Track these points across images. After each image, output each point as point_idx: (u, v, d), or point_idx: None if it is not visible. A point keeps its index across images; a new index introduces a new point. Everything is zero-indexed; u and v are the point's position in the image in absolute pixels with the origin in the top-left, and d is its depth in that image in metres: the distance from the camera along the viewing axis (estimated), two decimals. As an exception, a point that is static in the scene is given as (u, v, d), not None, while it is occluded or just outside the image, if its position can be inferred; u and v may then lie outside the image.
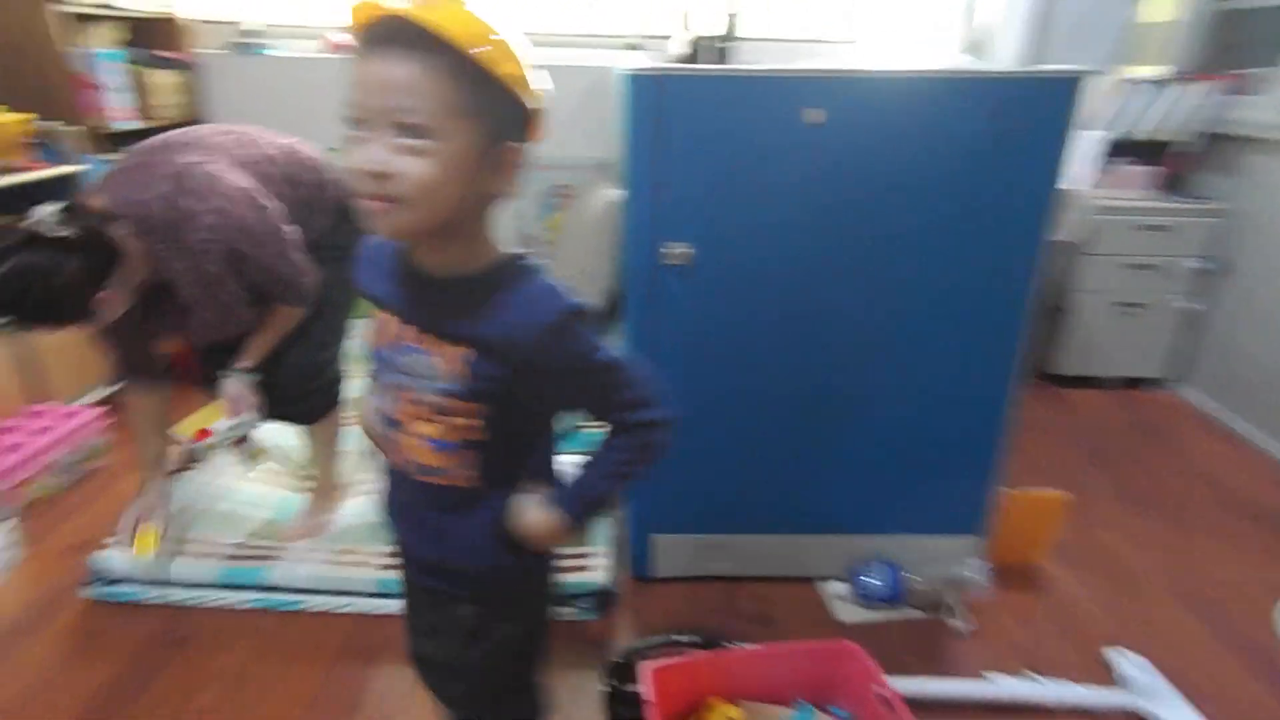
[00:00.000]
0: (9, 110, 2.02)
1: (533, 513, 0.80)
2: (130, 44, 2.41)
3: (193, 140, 1.40)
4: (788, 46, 2.75)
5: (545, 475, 0.84)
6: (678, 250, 1.41)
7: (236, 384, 1.52)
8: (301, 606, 1.55)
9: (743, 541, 1.67)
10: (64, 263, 1.19)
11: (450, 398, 0.73)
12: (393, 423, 0.78)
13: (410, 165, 0.63)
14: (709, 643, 1.42)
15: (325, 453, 1.74)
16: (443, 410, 0.74)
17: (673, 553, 1.67)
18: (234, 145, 1.43)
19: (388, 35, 0.63)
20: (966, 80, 1.36)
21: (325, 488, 1.76)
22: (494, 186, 0.71)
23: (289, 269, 1.42)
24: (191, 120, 2.64)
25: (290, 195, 1.46)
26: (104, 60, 2.21)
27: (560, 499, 0.81)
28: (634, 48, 2.77)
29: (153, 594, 1.56)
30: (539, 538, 0.80)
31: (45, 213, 1.21)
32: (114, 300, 1.29)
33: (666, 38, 2.67)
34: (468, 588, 0.85)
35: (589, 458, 0.81)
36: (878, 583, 1.61)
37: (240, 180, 1.36)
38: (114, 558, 1.56)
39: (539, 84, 0.70)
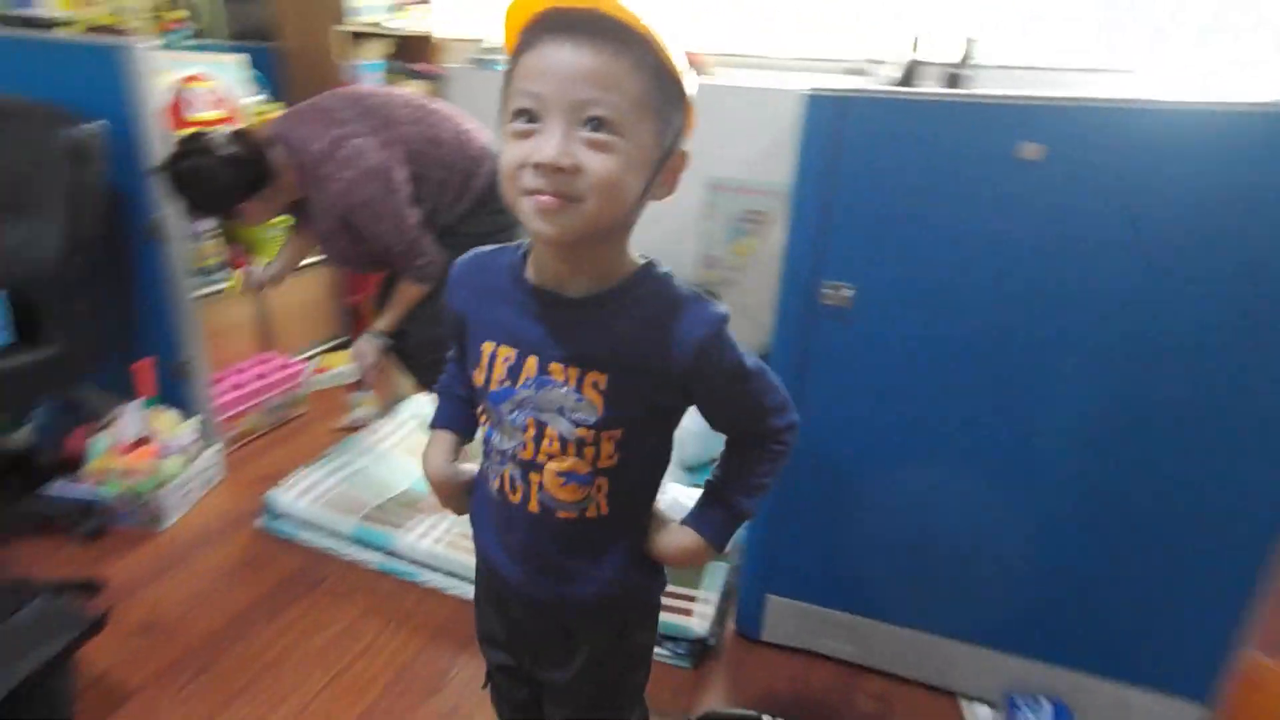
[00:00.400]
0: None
1: (676, 536, 0.78)
2: (391, 57, 2.78)
3: (375, 106, 1.60)
4: (1041, 75, 2.39)
5: (654, 498, 0.81)
6: (840, 291, 1.26)
7: (365, 343, 1.75)
8: (418, 579, 1.64)
9: (873, 627, 1.43)
10: (221, 172, 1.51)
11: (594, 428, 0.69)
12: (526, 464, 0.72)
13: (596, 161, 0.59)
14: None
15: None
16: (584, 441, 0.69)
17: (787, 618, 1.49)
18: (407, 120, 1.60)
19: (574, 23, 0.59)
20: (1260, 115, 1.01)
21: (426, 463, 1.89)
22: (660, 191, 0.67)
23: (403, 246, 1.59)
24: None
25: (437, 178, 1.62)
26: (368, 71, 2.56)
27: (700, 521, 0.78)
28: (858, 72, 2.59)
29: (305, 535, 1.75)
30: (678, 559, 0.78)
31: (219, 133, 1.56)
32: (254, 210, 1.58)
33: (897, 63, 2.46)
34: (595, 617, 0.81)
35: (722, 474, 0.79)
36: (1042, 725, 1.30)
37: (384, 159, 1.54)
38: (283, 496, 1.78)
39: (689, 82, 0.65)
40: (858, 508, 1.38)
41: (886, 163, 1.18)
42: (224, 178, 1.52)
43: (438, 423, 0.87)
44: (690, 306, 0.68)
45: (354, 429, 2.16)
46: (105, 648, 1.39)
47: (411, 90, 1.73)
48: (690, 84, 0.64)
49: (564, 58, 0.58)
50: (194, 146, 1.53)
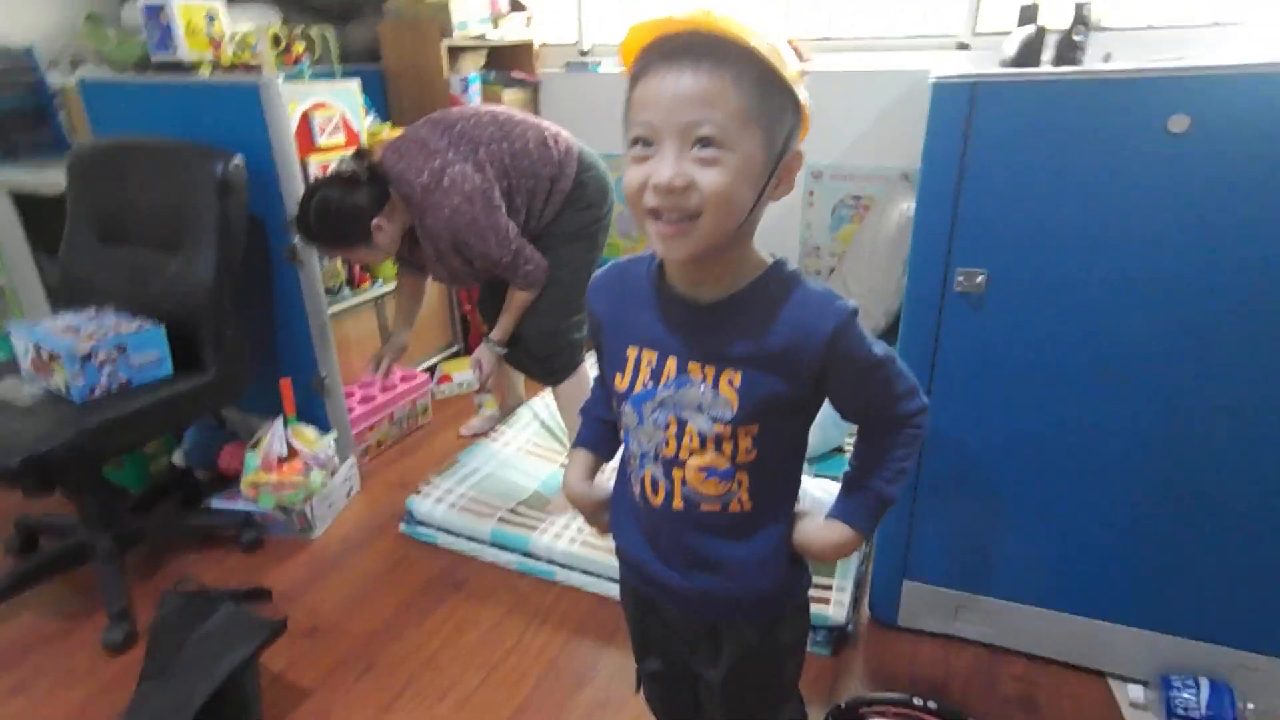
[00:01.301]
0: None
1: (825, 530, 0.80)
2: (488, 67, 2.85)
3: (464, 131, 1.69)
4: (1159, 35, 2.25)
5: (796, 493, 0.83)
6: (973, 278, 1.24)
7: (483, 352, 1.86)
8: (555, 578, 1.69)
9: (1013, 609, 1.43)
10: (352, 194, 1.61)
11: (732, 424, 0.72)
12: (669, 461, 0.76)
13: (707, 177, 0.63)
14: (952, 715, 1.25)
15: (572, 422, 1.90)
16: (722, 437, 0.73)
17: (924, 603, 1.50)
18: (492, 139, 1.69)
19: (677, 49, 0.63)
20: None
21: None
22: (777, 194, 0.70)
23: (509, 257, 1.69)
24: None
25: (527, 187, 1.71)
26: (470, 83, 2.63)
27: (847, 511, 0.80)
28: (963, 47, 2.50)
29: (444, 540, 1.83)
30: (829, 553, 0.80)
31: (344, 158, 1.67)
32: (386, 229, 1.65)
33: (1005, 34, 2.37)
34: (746, 611, 0.84)
35: (860, 463, 0.80)
36: (1199, 703, 1.26)
37: (481, 181, 1.64)
38: (422, 502, 1.86)
39: (803, 82, 0.68)
40: (993, 493, 1.37)
41: (1019, 145, 1.16)
42: (355, 197, 1.61)
43: (579, 442, 0.93)
44: (819, 302, 0.71)
45: (480, 435, 2.25)
46: (278, 651, 1.49)
47: (492, 106, 1.80)
48: (801, 88, 0.67)
49: (668, 85, 0.63)
50: (318, 184, 1.65)
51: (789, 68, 0.65)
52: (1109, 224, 1.14)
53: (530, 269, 1.73)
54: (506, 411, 2.35)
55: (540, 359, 1.87)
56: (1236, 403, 1.16)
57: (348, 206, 1.61)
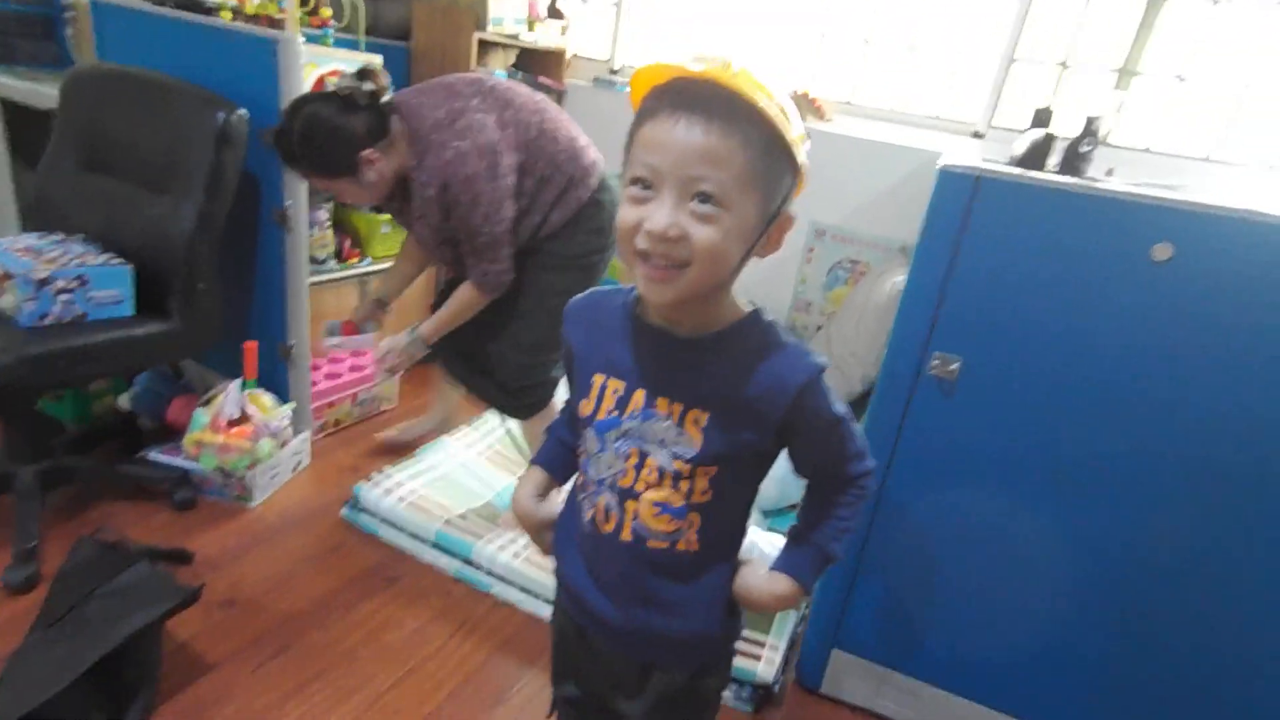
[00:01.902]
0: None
1: (766, 579, 0.80)
2: (516, 67, 2.85)
3: (497, 89, 1.55)
4: (1172, 163, 2.33)
5: (741, 541, 0.83)
6: (947, 364, 1.25)
7: (403, 342, 1.66)
8: (491, 590, 1.66)
9: (937, 696, 1.43)
10: (347, 115, 1.44)
11: (692, 462, 0.73)
12: (624, 491, 0.77)
13: (701, 232, 0.64)
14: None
15: (534, 450, 1.85)
16: (681, 474, 0.73)
17: (851, 675, 1.50)
18: (527, 108, 1.54)
19: (691, 99, 0.63)
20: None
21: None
22: (765, 252, 0.71)
23: (485, 240, 1.51)
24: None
25: (542, 173, 1.55)
26: (496, 78, 2.62)
27: (791, 564, 0.80)
28: (977, 136, 2.56)
29: (385, 532, 1.78)
30: (770, 604, 0.80)
31: (344, 76, 1.47)
32: (378, 164, 1.48)
33: (1018, 131, 2.43)
34: (678, 654, 0.83)
35: (806, 519, 0.81)
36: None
37: (498, 139, 1.48)
38: (370, 491, 1.82)
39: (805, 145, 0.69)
40: (934, 576, 1.38)
41: (1011, 242, 1.19)
42: (350, 120, 1.44)
43: (537, 460, 0.93)
44: (792, 354, 0.73)
45: (399, 446, 2.09)
46: (190, 618, 1.43)
47: (532, 91, 1.65)
48: (802, 153, 0.68)
49: (678, 134, 0.63)
50: (308, 97, 1.49)
51: (794, 131, 0.66)
52: (1085, 336, 1.17)
53: (497, 269, 1.56)
54: (434, 429, 2.14)
55: (512, 392, 1.73)
56: (1187, 531, 1.18)
57: (339, 128, 1.44)
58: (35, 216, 1.78)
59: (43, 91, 2.02)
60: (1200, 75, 2.29)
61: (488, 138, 1.47)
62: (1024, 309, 1.20)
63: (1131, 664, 1.27)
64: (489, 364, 1.71)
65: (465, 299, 1.62)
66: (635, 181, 0.66)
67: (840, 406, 0.75)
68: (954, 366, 1.26)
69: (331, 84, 1.47)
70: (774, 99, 0.64)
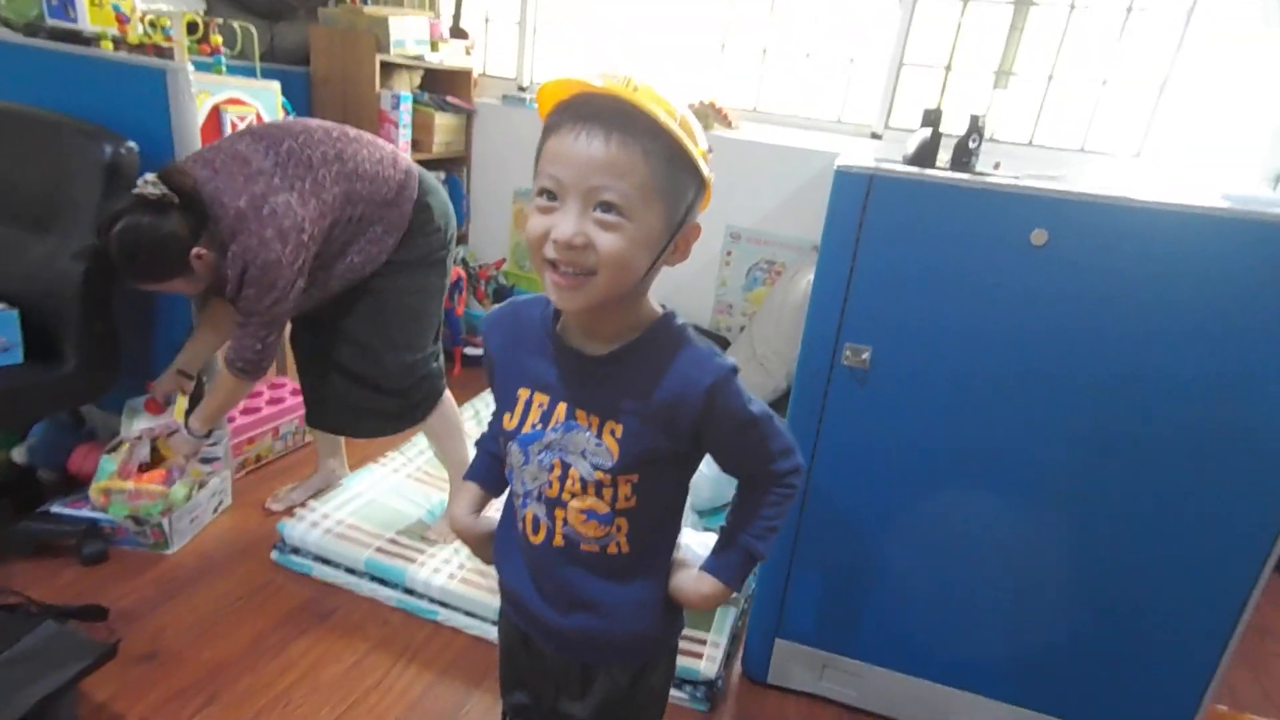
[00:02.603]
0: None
1: (694, 580, 0.82)
2: (422, 88, 2.82)
3: (292, 150, 1.48)
4: (1052, 155, 2.51)
5: (674, 541, 0.86)
6: (859, 354, 1.32)
7: (181, 443, 1.65)
8: (437, 618, 1.63)
9: (876, 674, 1.50)
10: (165, 219, 1.37)
11: (611, 472, 0.74)
12: (551, 501, 0.78)
13: (605, 240, 0.66)
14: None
15: (450, 457, 1.84)
16: (602, 483, 0.75)
17: (793, 662, 1.55)
18: (326, 160, 1.50)
19: (592, 114, 0.65)
20: (1246, 222, 1.11)
21: (456, 490, 1.86)
22: (673, 260, 0.74)
23: (260, 321, 1.48)
24: (461, 156, 3.03)
25: (357, 214, 1.54)
26: (403, 101, 2.60)
27: (717, 566, 0.82)
28: (876, 136, 2.69)
29: (319, 570, 1.73)
30: (698, 604, 0.82)
31: (147, 179, 1.37)
32: (206, 256, 1.42)
33: (911, 131, 2.57)
34: (620, 654, 0.85)
35: (733, 519, 0.83)
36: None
37: (301, 218, 1.44)
38: (295, 526, 1.76)
39: (709, 159, 0.72)
40: (864, 559, 1.44)
41: (906, 235, 1.26)
42: (169, 224, 1.37)
43: (469, 475, 0.94)
44: (700, 358, 0.75)
45: (292, 507, 1.91)
46: (107, 676, 1.35)
47: (323, 121, 1.60)
48: (705, 166, 0.71)
49: (580, 147, 0.65)
50: (119, 211, 1.38)
51: (699, 145, 0.69)
52: (978, 320, 1.25)
53: (257, 350, 1.51)
54: (323, 483, 2.00)
55: (400, 393, 1.70)
56: (1086, 495, 1.28)
57: (162, 236, 1.36)
58: (-95, 265, 1.65)
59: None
60: (1067, 73, 2.49)
61: (293, 220, 1.44)
62: (922, 297, 1.27)
63: (1043, 621, 1.36)
64: (365, 381, 1.68)
65: (230, 386, 1.58)
66: (541, 193, 0.68)
67: (756, 406, 0.77)
68: (865, 355, 1.32)
69: (137, 188, 1.38)
70: (675, 114, 0.67)
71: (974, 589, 1.39)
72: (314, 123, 1.57)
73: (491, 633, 1.58)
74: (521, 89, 3.11)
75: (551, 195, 0.67)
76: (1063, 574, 1.33)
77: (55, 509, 1.72)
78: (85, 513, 1.70)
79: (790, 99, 2.82)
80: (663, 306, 0.78)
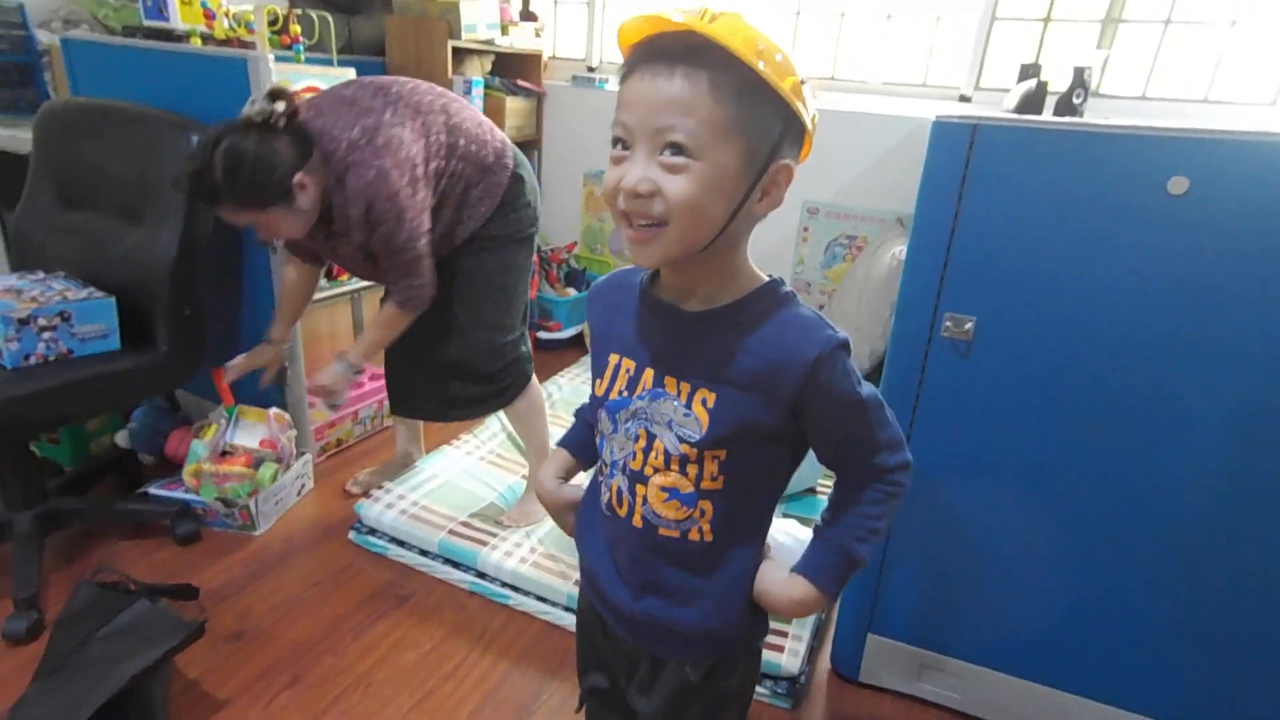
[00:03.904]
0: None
1: (788, 586, 0.74)
2: (493, 73, 2.82)
3: (401, 94, 1.47)
4: (1154, 106, 2.27)
5: (764, 534, 0.78)
6: (962, 325, 1.20)
7: (336, 372, 1.57)
8: (509, 602, 1.60)
9: (983, 676, 1.37)
10: (269, 141, 1.33)
11: (698, 446, 0.69)
12: (634, 474, 0.73)
13: (673, 185, 0.61)
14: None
15: (532, 440, 1.80)
16: (688, 458, 0.69)
17: (888, 660, 1.44)
18: (433, 109, 1.48)
19: (659, 52, 0.60)
20: None
21: (535, 477, 1.82)
22: (761, 207, 0.66)
23: (409, 257, 1.45)
24: (532, 140, 3.01)
25: (460, 170, 1.51)
26: (475, 86, 2.60)
27: (813, 567, 0.73)
28: (964, 99, 2.51)
29: (394, 552, 1.73)
30: (789, 610, 0.74)
31: (253, 100, 1.34)
32: (310, 188, 1.38)
33: (1004, 91, 2.38)
34: (690, 649, 0.78)
35: (833, 517, 0.74)
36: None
37: (417, 151, 1.43)
38: (371, 507, 1.77)
39: (812, 102, 0.65)
40: (967, 549, 1.32)
41: (1015, 192, 1.13)
42: (274, 146, 1.34)
43: (562, 441, 0.90)
44: (807, 327, 0.67)
45: (369, 489, 1.90)
46: (197, 654, 1.39)
47: (428, 82, 1.58)
48: (801, 103, 0.63)
49: (645, 87, 0.61)
50: (223, 129, 1.35)
51: (786, 77, 0.61)
52: (1103, 279, 1.11)
53: (419, 285, 1.49)
54: (400, 467, 1.98)
55: (488, 376, 1.67)
56: (1224, 473, 1.12)
57: (266, 156, 1.32)
58: (15, 257, 1.74)
59: (21, 136, 2.00)
60: (1187, 16, 2.24)
61: (407, 152, 1.41)
62: (1035, 259, 1.14)
63: (1177, 618, 1.21)
64: (455, 367, 1.65)
65: (389, 318, 1.56)
66: (615, 142, 0.64)
67: (867, 389, 0.69)
68: (968, 326, 1.20)
69: (244, 111, 1.35)
70: (759, 44, 0.60)
71: (1096, 583, 1.24)
72: (418, 81, 1.56)
73: (564, 619, 1.55)
74: (591, 70, 3.06)
75: (623, 144, 0.63)
76: (1205, 566, 1.17)
77: (152, 490, 1.79)
78: (179, 494, 1.76)
79: (869, 65, 2.67)
80: (770, 275, 0.70)
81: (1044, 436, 1.21)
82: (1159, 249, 1.07)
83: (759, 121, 0.62)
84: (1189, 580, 1.18)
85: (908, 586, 1.38)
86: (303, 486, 1.93)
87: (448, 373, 1.67)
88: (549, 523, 1.76)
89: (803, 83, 0.64)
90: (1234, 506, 1.13)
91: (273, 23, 2.00)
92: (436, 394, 1.69)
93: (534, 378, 1.78)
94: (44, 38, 2.42)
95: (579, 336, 2.92)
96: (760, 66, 0.59)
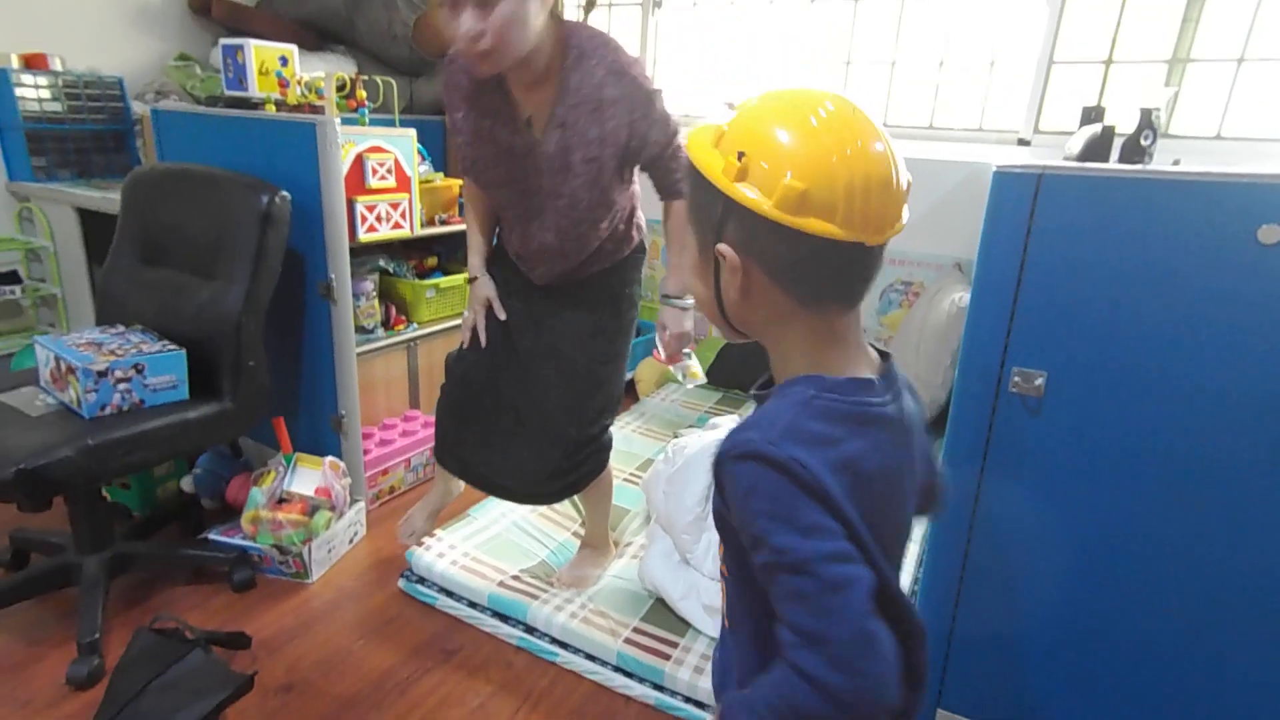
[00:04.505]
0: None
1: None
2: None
3: None
4: (1245, 147, 2.17)
5: None
6: (1031, 380, 1.14)
7: (670, 314, 1.46)
8: (557, 660, 1.57)
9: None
10: None
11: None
12: None
13: None
14: None
15: (595, 506, 1.76)
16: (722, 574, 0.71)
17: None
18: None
19: None
20: None
21: (594, 541, 1.78)
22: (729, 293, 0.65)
23: (673, 139, 1.30)
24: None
25: (631, 199, 1.46)
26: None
27: (729, 707, 0.62)
28: (1024, 143, 2.46)
29: (443, 602, 1.72)
30: None
31: None
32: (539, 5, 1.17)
33: (1065, 134, 2.32)
34: None
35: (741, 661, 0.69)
36: None
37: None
38: (423, 556, 1.77)
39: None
40: (1046, 619, 1.24)
41: (1086, 243, 1.08)
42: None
43: None
44: (743, 424, 0.61)
45: (418, 536, 1.82)
46: (248, 706, 1.39)
47: None
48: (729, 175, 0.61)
49: None
50: None
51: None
52: (1185, 332, 1.05)
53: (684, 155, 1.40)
54: (441, 500, 1.82)
55: (574, 451, 1.53)
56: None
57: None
58: (99, 312, 1.85)
59: (112, 198, 2.14)
60: (1260, 54, 2.15)
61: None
62: (1110, 311, 1.09)
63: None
64: (548, 425, 1.51)
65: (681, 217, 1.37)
66: None
67: (781, 539, 0.55)
68: (1039, 381, 1.15)
69: None
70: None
71: (1178, 663, 1.15)
72: None
73: (613, 680, 1.50)
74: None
75: None
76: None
77: (213, 536, 1.83)
78: (237, 541, 1.79)
79: (922, 110, 2.64)
80: (809, 376, 0.62)
81: (1123, 499, 1.13)
82: (1249, 301, 1.01)
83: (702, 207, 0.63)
84: (1272, 656, 1.07)
85: (979, 658, 1.30)
86: (355, 534, 1.95)
87: (530, 437, 1.54)
88: (601, 583, 1.73)
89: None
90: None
91: (341, 88, 2.10)
92: (572, 456, 1.54)
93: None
94: (138, 108, 2.62)
95: (628, 384, 2.91)
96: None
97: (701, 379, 1.71)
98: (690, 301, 1.45)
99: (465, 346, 1.61)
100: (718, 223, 0.61)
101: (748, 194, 0.58)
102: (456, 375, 1.63)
